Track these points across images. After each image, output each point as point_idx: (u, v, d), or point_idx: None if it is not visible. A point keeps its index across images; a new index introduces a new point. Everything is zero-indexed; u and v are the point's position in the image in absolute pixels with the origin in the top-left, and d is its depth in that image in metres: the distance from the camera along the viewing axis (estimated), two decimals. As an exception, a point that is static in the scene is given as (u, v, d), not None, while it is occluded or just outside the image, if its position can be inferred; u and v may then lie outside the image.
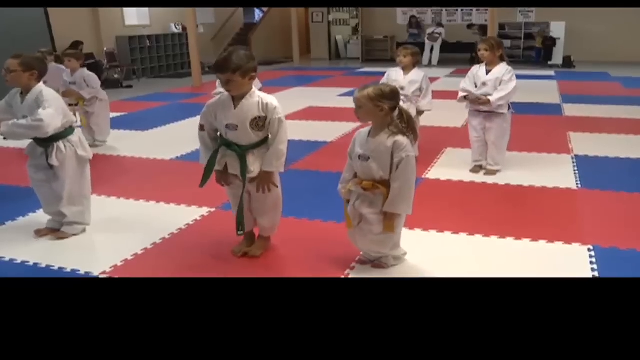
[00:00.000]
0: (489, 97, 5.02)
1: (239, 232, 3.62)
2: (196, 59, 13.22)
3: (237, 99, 3.37)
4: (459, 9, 17.80)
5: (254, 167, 3.44)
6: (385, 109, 3.12)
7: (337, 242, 3.83)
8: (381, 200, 3.23)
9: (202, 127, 3.55)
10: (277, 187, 3.61)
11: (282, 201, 3.74)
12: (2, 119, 3.97)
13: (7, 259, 3.82)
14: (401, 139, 3.14)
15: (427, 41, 16.67)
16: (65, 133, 3.93)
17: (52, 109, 3.75)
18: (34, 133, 3.81)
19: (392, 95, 3.15)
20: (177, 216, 4.48)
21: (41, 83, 3.90)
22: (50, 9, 11.04)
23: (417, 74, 5.55)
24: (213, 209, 4.58)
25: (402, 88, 5.43)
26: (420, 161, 5.65)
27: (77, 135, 4.02)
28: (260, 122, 3.37)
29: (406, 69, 5.58)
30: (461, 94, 5.23)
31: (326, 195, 4.77)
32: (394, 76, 5.59)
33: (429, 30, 16.86)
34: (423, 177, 5.30)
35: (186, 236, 4.12)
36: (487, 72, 5.10)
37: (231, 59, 3.21)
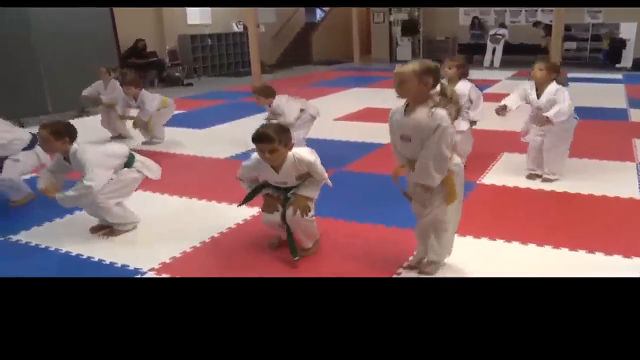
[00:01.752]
0: (547, 115, 4.82)
1: (296, 258, 3.67)
2: (256, 58, 13.32)
3: (277, 166, 3.53)
4: (523, 9, 17.37)
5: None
6: (429, 85, 3.06)
7: (385, 247, 3.79)
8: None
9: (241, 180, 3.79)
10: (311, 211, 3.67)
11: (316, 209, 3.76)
12: (58, 172, 4.21)
13: (63, 251, 3.97)
14: (439, 110, 3.04)
15: (489, 43, 16.35)
16: (127, 164, 4.13)
17: (96, 169, 3.90)
18: (89, 198, 3.96)
19: (437, 71, 3.11)
20: (228, 215, 4.51)
21: (75, 144, 3.99)
22: (116, 8, 11.31)
23: (463, 86, 5.27)
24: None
25: None
26: (476, 166, 5.54)
27: (140, 161, 4.20)
28: (304, 175, 3.59)
29: (451, 81, 5.23)
30: (504, 102, 5.15)
31: (377, 198, 4.73)
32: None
33: (492, 32, 16.53)
34: (477, 182, 5.19)
35: (235, 236, 4.14)
36: (538, 96, 4.95)
37: (270, 132, 3.39)
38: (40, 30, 9.29)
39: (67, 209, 4.65)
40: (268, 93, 6.13)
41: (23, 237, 4.24)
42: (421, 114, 3.08)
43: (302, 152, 3.54)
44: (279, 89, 6.31)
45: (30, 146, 4.88)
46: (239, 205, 3.82)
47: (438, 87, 3.11)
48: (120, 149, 4.22)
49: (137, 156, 4.23)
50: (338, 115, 8.72)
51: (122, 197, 4.18)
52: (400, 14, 19.23)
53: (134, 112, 7.25)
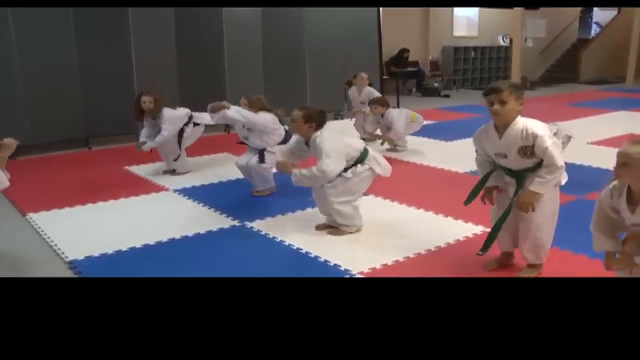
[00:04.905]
0: None
1: (480, 252, 3.61)
2: (517, 72, 12.94)
3: (501, 129, 3.33)
4: None
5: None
6: None
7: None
8: None
9: (477, 151, 3.67)
10: (544, 212, 3.41)
11: (554, 232, 3.52)
12: (295, 152, 4.49)
13: (286, 242, 4.28)
14: None
15: None
16: (360, 159, 4.26)
17: (330, 158, 4.08)
18: (320, 182, 4.22)
19: None
20: (450, 230, 4.45)
21: (318, 132, 4.24)
22: (383, 14, 11.70)
23: None
24: (488, 229, 4.42)
25: None
26: None
27: (372, 155, 4.32)
28: (528, 151, 3.28)
29: None
30: None
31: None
32: None
33: None
34: None
35: (452, 252, 4.08)
36: None
37: (502, 83, 3.31)
38: (311, 33, 9.91)
39: (301, 204, 4.97)
40: None
41: (256, 225, 4.65)
42: None
43: (536, 125, 3.29)
44: (533, 106, 6.02)
45: (283, 142, 5.28)
46: (465, 203, 3.72)
47: None
48: (357, 142, 4.39)
49: (371, 151, 4.35)
50: (595, 139, 8.08)
51: (353, 196, 4.32)
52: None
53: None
